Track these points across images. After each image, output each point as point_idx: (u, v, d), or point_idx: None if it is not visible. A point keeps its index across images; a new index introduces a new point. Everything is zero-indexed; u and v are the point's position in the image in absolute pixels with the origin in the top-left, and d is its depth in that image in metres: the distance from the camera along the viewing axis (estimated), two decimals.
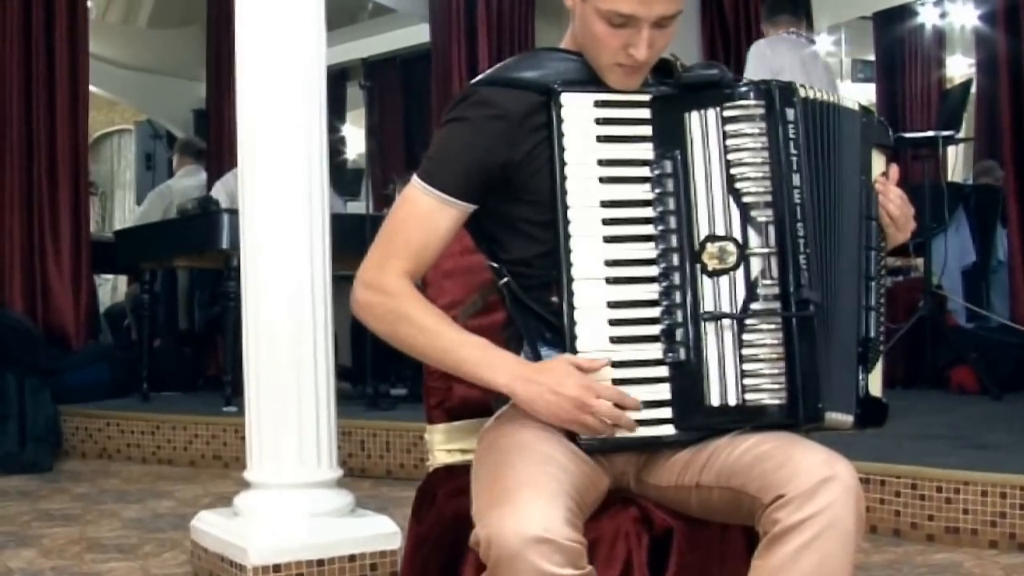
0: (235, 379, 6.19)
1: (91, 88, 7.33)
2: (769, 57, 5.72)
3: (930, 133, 6.37)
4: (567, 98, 1.92)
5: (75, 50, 6.90)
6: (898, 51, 10.51)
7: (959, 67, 11.16)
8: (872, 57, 10.96)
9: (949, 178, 8.25)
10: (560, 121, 1.91)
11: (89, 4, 7.37)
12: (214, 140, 7.82)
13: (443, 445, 2.35)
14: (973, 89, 8.11)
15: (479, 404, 2.31)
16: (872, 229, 2.00)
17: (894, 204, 2.02)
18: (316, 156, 3.35)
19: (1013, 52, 6.55)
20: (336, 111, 10.03)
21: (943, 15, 10.25)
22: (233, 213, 6.16)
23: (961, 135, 7.11)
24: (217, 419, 6.01)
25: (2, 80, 6.70)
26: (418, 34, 10.35)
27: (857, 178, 2.00)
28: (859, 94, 11.18)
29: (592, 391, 1.82)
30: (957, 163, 10.32)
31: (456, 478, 2.21)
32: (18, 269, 6.78)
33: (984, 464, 3.96)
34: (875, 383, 2.02)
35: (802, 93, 1.94)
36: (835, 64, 11.23)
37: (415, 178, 1.98)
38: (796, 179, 1.89)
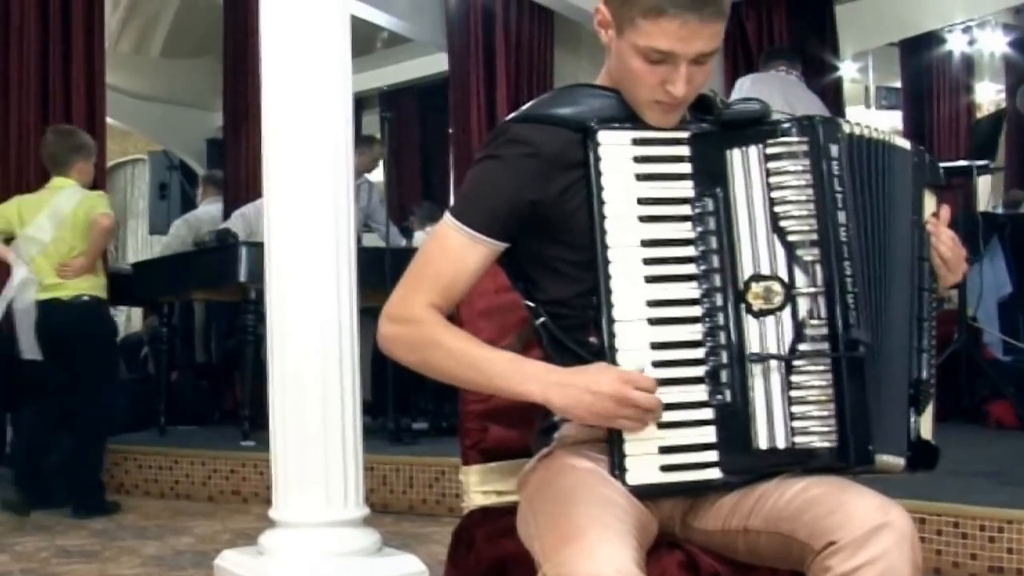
0: (253, 414, 6.22)
1: (106, 119, 7.38)
2: (747, 90, 5.86)
3: (964, 162, 6.36)
4: (604, 136, 1.90)
5: (92, 82, 6.94)
6: (925, 78, 10.51)
7: (987, 94, 11.16)
8: (898, 84, 10.95)
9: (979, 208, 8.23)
10: (598, 159, 1.89)
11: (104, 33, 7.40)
12: (230, 170, 7.85)
13: (479, 487, 2.33)
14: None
15: (515, 445, 2.31)
16: (924, 270, 1.99)
17: (946, 245, 2.00)
18: (343, 190, 3.36)
19: None
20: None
21: (971, 42, 10.25)
22: (251, 246, 6.19)
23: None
24: (236, 454, 6.02)
25: (19, 111, 6.74)
26: (435, 63, 10.40)
27: (908, 217, 1.98)
28: (884, 121, 11.19)
29: (630, 382, 1.81)
30: (986, 192, 10.31)
31: (494, 520, 2.20)
32: None
33: None
34: (926, 425, 2.01)
35: (847, 129, 1.93)
36: (859, 91, 11.23)
37: (447, 215, 1.98)
38: (842, 216, 1.87)
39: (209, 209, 7.92)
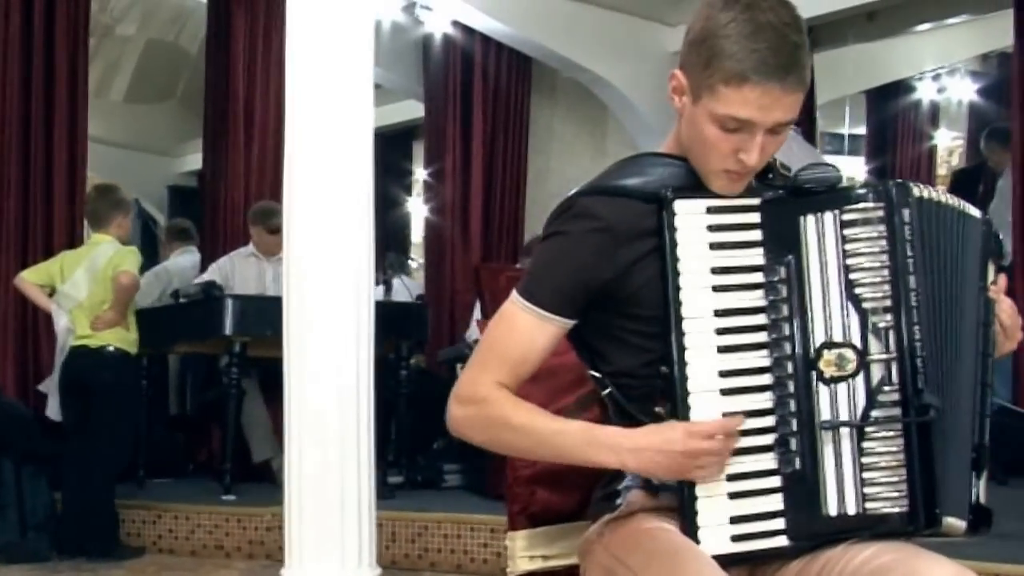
0: (234, 467, 6.16)
1: None
2: None
3: None
4: (680, 205, 1.90)
5: (74, 133, 6.93)
6: (891, 124, 10.65)
7: (944, 141, 11.32)
8: (863, 130, 11.08)
9: None
10: (673, 229, 1.88)
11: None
12: (208, 218, 7.78)
13: (525, 552, 2.31)
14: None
15: (562, 510, 2.30)
16: (989, 336, 2.00)
17: (1006, 313, 2.02)
18: (364, 245, 3.35)
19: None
20: None
21: (941, 89, 10.40)
22: (236, 299, 6.15)
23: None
24: (218, 508, 5.97)
25: (0, 165, 6.70)
26: (400, 111, 10.40)
27: (976, 283, 1.99)
28: (846, 166, 11.33)
29: (696, 434, 1.81)
30: None
31: None
32: (11, 354, 6.73)
33: None
34: (981, 489, 2.02)
35: (916, 192, 1.93)
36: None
37: (514, 294, 1.97)
38: (913, 281, 1.88)
39: (179, 261, 7.84)
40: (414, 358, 7.38)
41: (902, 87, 10.26)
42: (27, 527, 5.77)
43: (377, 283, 7.68)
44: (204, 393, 7.55)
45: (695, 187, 1.94)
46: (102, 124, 11.64)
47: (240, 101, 7.51)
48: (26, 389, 6.68)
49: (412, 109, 10.15)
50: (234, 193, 7.54)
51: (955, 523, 1.91)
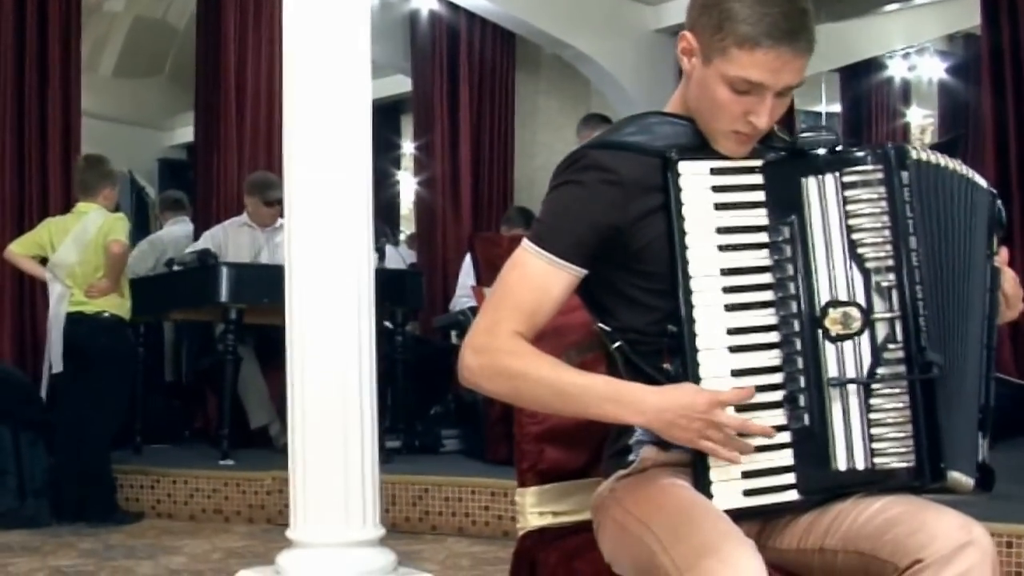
0: (231, 433, 6.15)
1: None
2: None
3: None
4: (685, 167, 1.90)
5: (67, 106, 6.89)
6: (864, 103, 10.67)
7: (916, 118, 11.36)
8: (838, 108, 11.12)
9: None
10: (679, 190, 1.88)
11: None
12: (201, 191, 7.72)
13: (535, 508, 2.31)
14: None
15: (571, 466, 2.31)
16: (994, 301, 2.00)
17: (1009, 283, 2.03)
18: (363, 208, 3.33)
19: (974, 104, 6.68)
20: None
21: (911, 68, 10.43)
22: (232, 266, 6.13)
23: None
24: (217, 473, 5.94)
25: None
26: (388, 85, 10.36)
27: (983, 249, 1.99)
28: None
29: (719, 403, 1.80)
30: None
31: (556, 541, 2.20)
32: (8, 320, 6.71)
33: None
34: (984, 449, 2.03)
35: (914, 155, 1.94)
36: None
37: (525, 241, 1.95)
38: (913, 241, 1.89)
39: (173, 230, 7.80)
40: (410, 325, 7.36)
41: (873, 65, 10.29)
42: (26, 493, 5.74)
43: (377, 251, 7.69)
44: (200, 360, 7.52)
45: (700, 148, 1.93)
46: (92, 98, 11.54)
47: (231, 73, 7.45)
48: (23, 356, 6.65)
49: (399, 84, 10.12)
50: (226, 164, 7.50)
51: (960, 478, 1.92)
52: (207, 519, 5.78)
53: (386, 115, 11.62)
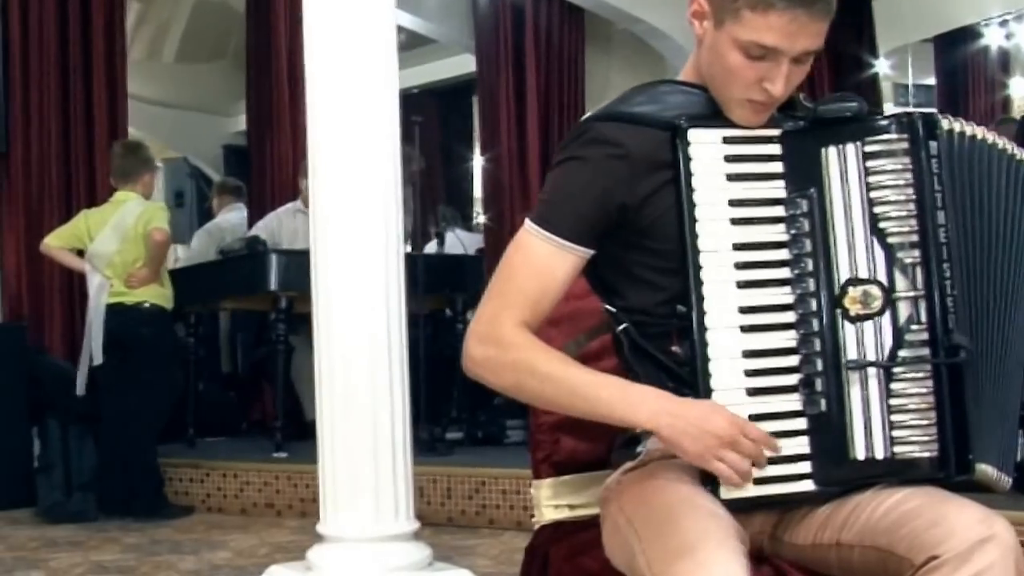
0: (285, 424, 6.20)
1: None
2: None
3: None
4: (695, 135, 1.85)
5: (113, 90, 6.96)
6: (960, 74, 10.44)
7: (1019, 90, 11.08)
8: (932, 81, 10.89)
9: None
10: (688, 160, 1.84)
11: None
12: (256, 177, 7.81)
13: (550, 500, 2.29)
14: None
15: (587, 458, 2.27)
16: None
17: None
18: (392, 196, 3.32)
19: None
20: None
21: (1008, 36, 10.17)
22: (282, 253, 6.17)
23: None
24: (269, 466, 5.99)
25: (40, 121, 6.75)
26: (458, 65, 10.37)
27: None
28: None
29: (743, 429, 1.75)
30: None
31: (567, 536, 2.17)
32: (58, 315, 6.81)
33: None
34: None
35: (946, 125, 1.88)
36: (887, 88, 11.17)
37: (528, 222, 1.91)
38: (941, 216, 1.83)
39: (229, 217, 7.89)
40: (470, 312, 7.35)
41: (969, 34, 10.05)
42: (72, 487, 5.85)
43: (430, 237, 7.70)
44: (255, 351, 7.60)
45: (713, 116, 1.89)
46: (155, 85, 11.75)
47: (283, 57, 7.52)
48: (73, 349, 6.75)
49: (468, 63, 10.09)
50: (280, 150, 7.56)
51: (990, 472, 1.86)
52: (258, 513, 5.84)
53: (455, 96, 11.63)
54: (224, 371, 8.04)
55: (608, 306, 1.97)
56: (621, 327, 1.93)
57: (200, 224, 8.39)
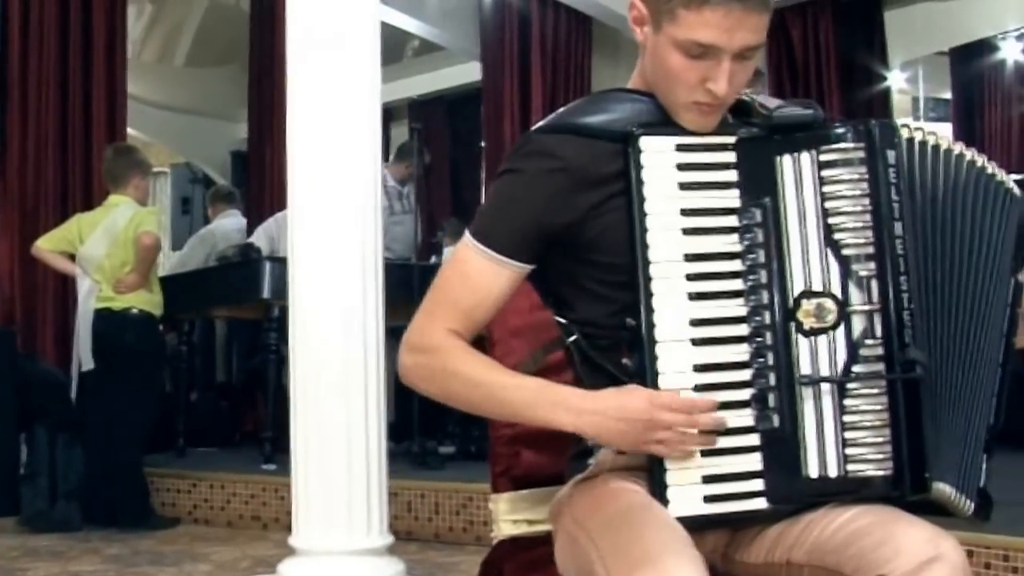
0: (275, 436, 6.18)
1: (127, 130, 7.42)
2: None
3: (1019, 176, 6.23)
4: (647, 143, 1.83)
5: (113, 92, 6.97)
6: (976, 88, 10.39)
7: None
8: (948, 95, 10.84)
9: None
10: (640, 168, 1.81)
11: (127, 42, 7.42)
12: (255, 183, 7.83)
13: (508, 515, 2.26)
14: None
15: (547, 471, 2.25)
16: (1015, 318, 1.93)
17: None
18: (370, 205, 3.31)
19: None
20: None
21: None
22: (275, 261, 6.16)
23: None
24: (256, 478, 5.98)
25: (38, 123, 6.77)
26: (466, 72, 10.36)
27: (1008, 257, 1.93)
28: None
29: (661, 405, 1.73)
30: None
31: (523, 551, 2.15)
32: (51, 319, 6.82)
33: None
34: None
35: (906, 134, 1.86)
36: (906, 102, 11.13)
37: (467, 235, 1.90)
38: (898, 228, 1.81)
39: (222, 224, 7.91)
40: None
41: (985, 47, 10.00)
42: (57, 496, 5.84)
43: (428, 250, 7.70)
44: (249, 360, 7.60)
45: (664, 124, 1.86)
46: (165, 90, 11.78)
47: (284, 61, 7.50)
48: (66, 355, 6.75)
49: (475, 71, 10.07)
50: (280, 155, 7.54)
51: (948, 491, 1.84)
52: (244, 526, 5.83)
53: (462, 105, 11.60)
54: (218, 380, 8.03)
55: (559, 318, 1.95)
56: (571, 339, 1.92)
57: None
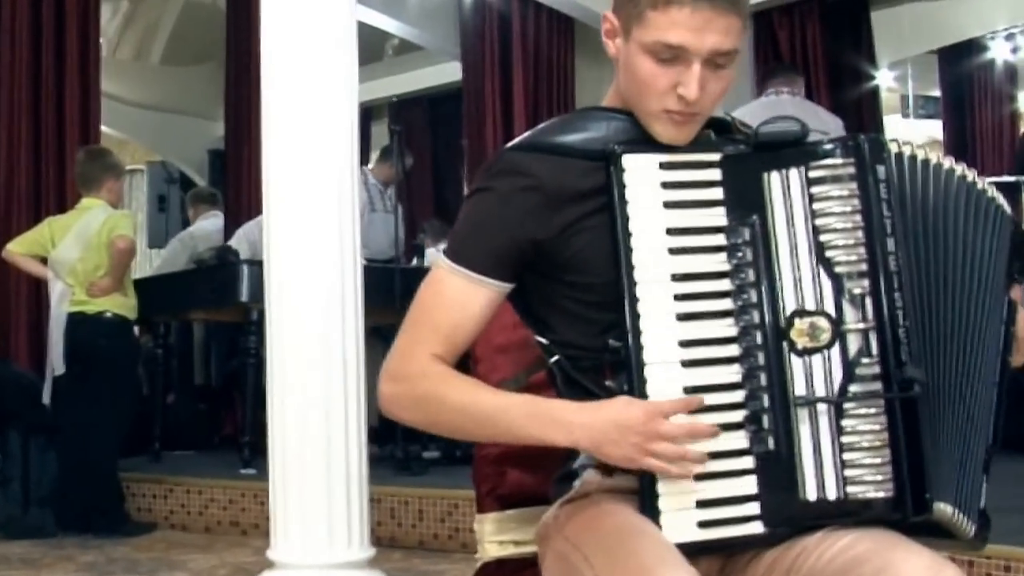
0: (254, 439, 6.15)
1: (102, 128, 7.35)
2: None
3: (1010, 178, 6.23)
4: (630, 160, 1.80)
5: (87, 90, 6.91)
6: (965, 87, 10.40)
7: None
8: (937, 93, 10.85)
9: None
10: (623, 187, 1.79)
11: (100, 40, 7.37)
12: (232, 183, 7.78)
13: (494, 536, 2.23)
14: None
15: (534, 491, 2.22)
16: (1011, 336, 1.92)
17: (1019, 325, 1.94)
18: (348, 206, 3.28)
19: None
20: (360, 153, 9.93)
21: (1015, 49, 10.14)
22: (253, 264, 6.12)
23: None
24: (234, 483, 5.95)
25: (10, 120, 6.71)
26: (447, 72, 10.32)
27: (1002, 275, 1.91)
28: (922, 131, 11.10)
29: (657, 414, 1.70)
30: None
31: (510, 573, 2.12)
32: (24, 321, 6.76)
33: None
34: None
35: (895, 148, 1.83)
36: (895, 100, 11.14)
37: (441, 257, 1.88)
38: (891, 244, 1.78)
39: (203, 226, 7.87)
40: None
41: (974, 47, 10.01)
42: (30, 501, 5.79)
43: (410, 252, 7.65)
44: (227, 363, 7.56)
45: (644, 142, 1.84)
46: (141, 88, 11.73)
47: (260, 59, 7.45)
48: (39, 359, 6.70)
49: (457, 71, 10.04)
50: (258, 154, 7.49)
51: (948, 510, 1.81)
52: (223, 532, 5.79)
53: (443, 105, 11.55)
54: (197, 383, 7.98)
55: (539, 338, 1.92)
56: (553, 360, 1.89)
57: (181, 230, 8.36)
